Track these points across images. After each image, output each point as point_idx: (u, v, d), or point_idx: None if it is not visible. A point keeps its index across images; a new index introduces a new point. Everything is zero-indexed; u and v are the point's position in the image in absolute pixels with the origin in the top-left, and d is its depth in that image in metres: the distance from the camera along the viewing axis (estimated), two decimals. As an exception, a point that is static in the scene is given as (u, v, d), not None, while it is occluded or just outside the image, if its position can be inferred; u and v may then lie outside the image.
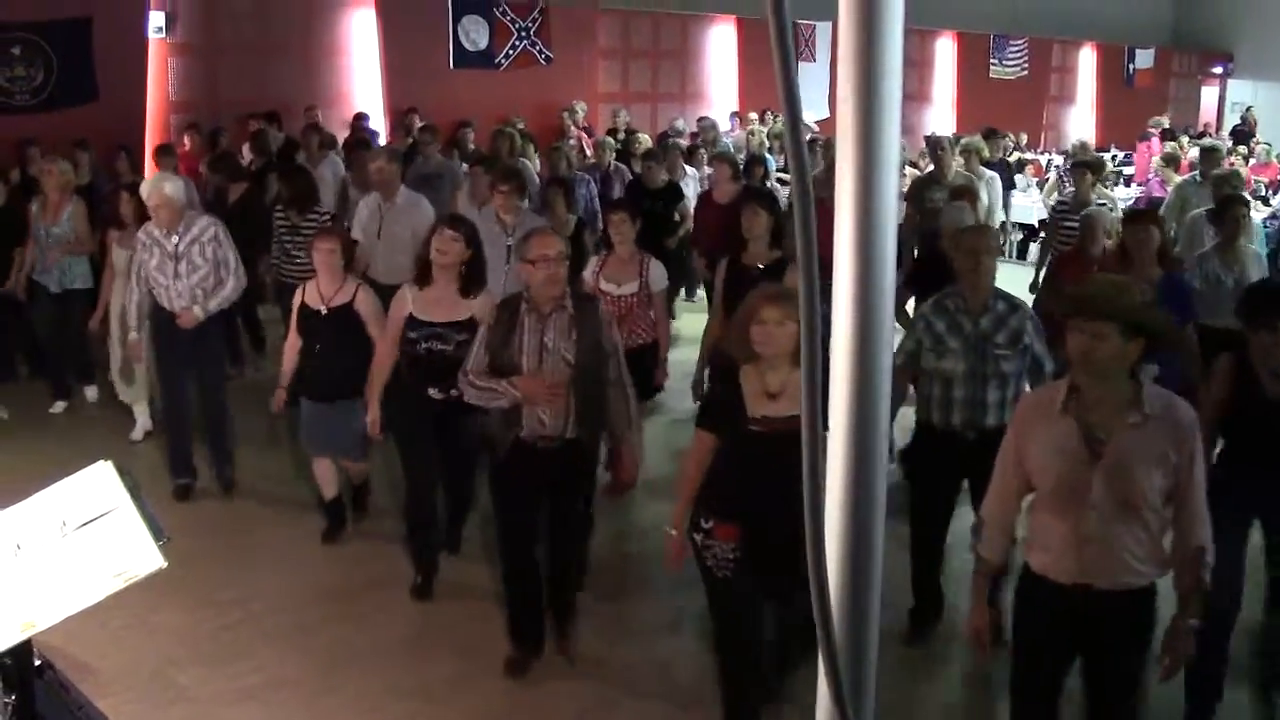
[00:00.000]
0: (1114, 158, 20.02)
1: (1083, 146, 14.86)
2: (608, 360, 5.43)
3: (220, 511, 7.61)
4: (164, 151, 11.73)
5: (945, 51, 24.76)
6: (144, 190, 7.81)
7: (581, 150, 15.81)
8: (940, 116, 24.04)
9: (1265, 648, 5.75)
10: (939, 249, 7.68)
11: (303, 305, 6.93)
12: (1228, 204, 8.38)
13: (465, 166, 12.10)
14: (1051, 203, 12.21)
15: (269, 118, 14.95)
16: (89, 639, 5.61)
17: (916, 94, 23.62)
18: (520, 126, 14.99)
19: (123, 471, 2.32)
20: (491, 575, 6.45)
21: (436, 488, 6.67)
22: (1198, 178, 11.57)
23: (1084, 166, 10.99)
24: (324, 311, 6.82)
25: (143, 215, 8.15)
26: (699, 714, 5.36)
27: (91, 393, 9.78)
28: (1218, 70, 30.14)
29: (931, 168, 12.43)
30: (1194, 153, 14.53)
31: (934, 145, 12.24)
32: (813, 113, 16.94)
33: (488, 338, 5.46)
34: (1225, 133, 25.91)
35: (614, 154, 13.37)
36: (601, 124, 18.67)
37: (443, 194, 10.68)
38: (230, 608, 6.37)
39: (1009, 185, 15.34)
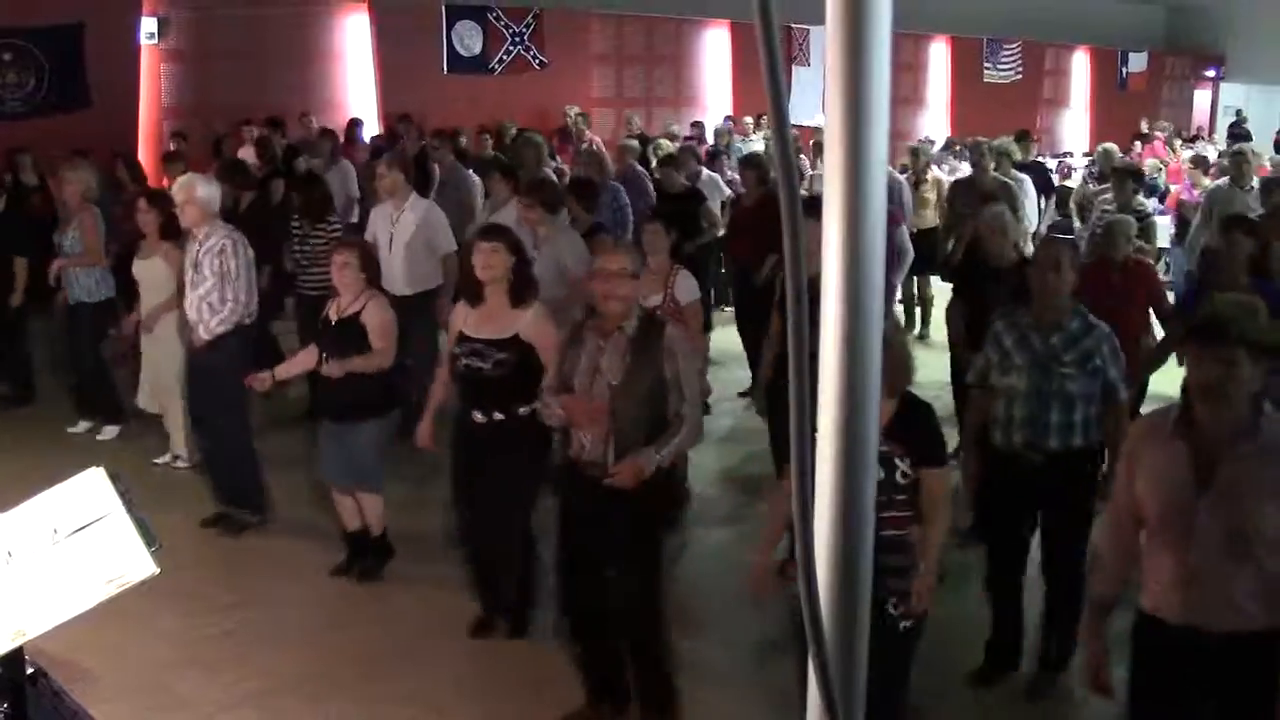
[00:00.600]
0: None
1: (1106, 154, 14.61)
2: (666, 391, 5.00)
3: (200, 507, 7.58)
4: (172, 159, 11.68)
5: (939, 55, 24.80)
6: (175, 187, 7.55)
7: (590, 155, 15.80)
8: (934, 120, 24.07)
9: None
10: (978, 255, 7.68)
11: (324, 316, 6.67)
12: None
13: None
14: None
15: (272, 124, 14.97)
16: (85, 646, 5.57)
17: (910, 98, 23.64)
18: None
19: (115, 478, 2.31)
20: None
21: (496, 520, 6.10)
22: (1227, 183, 11.50)
23: (1125, 174, 10.73)
24: (332, 322, 6.58)
25: (165, 224, 7.98)
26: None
27: (111, 431, 9.20)
28: (1210, 74, 30.20)
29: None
30: (1195, 154, 14.52)
31: (973, 150, 12.15)
32: (806, 116, 16.98)
33: (558, 356, 5.26)
34: (1218, 135, 25.95)
35: (637, 159, 13.18)
36: (595, 130, 18.68)
37: (455, 201, 10.60)
38: (226, 614, 6.35)
39: (1046, 189, 14.91)
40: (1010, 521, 5.75)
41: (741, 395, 9.79)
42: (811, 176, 12.82)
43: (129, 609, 5.72)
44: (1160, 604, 3.79)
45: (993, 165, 11.38)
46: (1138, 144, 21.58)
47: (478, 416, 5.83)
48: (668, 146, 14.05)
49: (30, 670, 2.42)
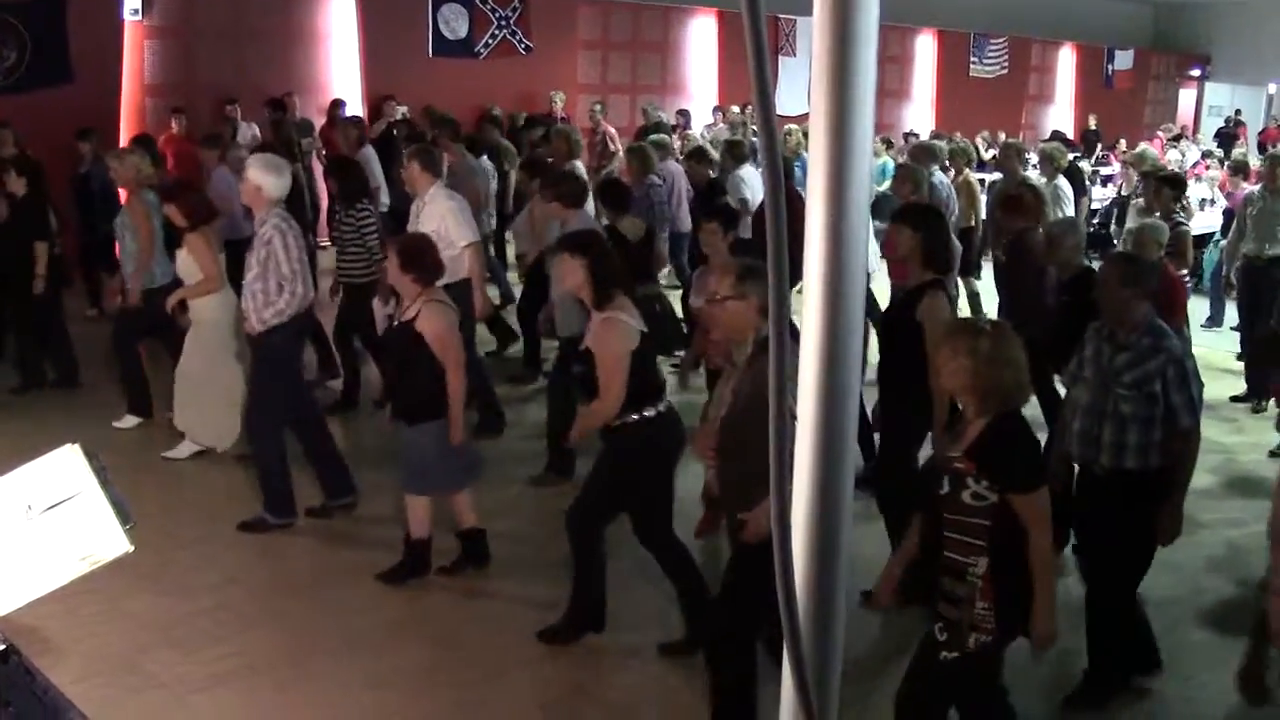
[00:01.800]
0: (1094, 158, 20.13)
1: (1140, 158, 14.41)
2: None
3: (195, 498, 7.57)
4: (211, 142, 11.65)
5: (925, 49, 24.82)
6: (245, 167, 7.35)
7: (605, 146, 15.76)
8: (920, 114, 24.10)
9: None
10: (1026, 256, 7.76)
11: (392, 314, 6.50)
12: None
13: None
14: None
15: (276, 105, 14.90)
16: (59, 624, 5.58)
17: (896, 91, 23.67)
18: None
19: (90, 455, 2.30)
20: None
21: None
22: (1260, 189, 11.33)
23: (1163, 182, 10.53)
24: (393, 324, 6.48)
25: (192, 213, 7.81)
26: (670, 699, 5.37)
27: (129, 421, 8.95)
28: (1195, 73, 30.32)
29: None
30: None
31: (1005, 150, 12.06)
32: (792, 107, 16.98)
33: (620, 372, 5.22)
34: (1202, 135, 26.06)
35: (668, 152, 12.91)
36: (577, 116, 18.66)
37: (464, 191, 10.50)
38: (203, 594, 6.34)
39: (1081, 191, 14.72)
40: (1087, 529, 5.67)
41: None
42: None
43: (103, 588, 5.75)
44: None
45: (1031, 168, 11.25)
46: (1123, 141, 21.67)
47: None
48: (695, 140, 13.90)
49: (2, 646, 2.40)
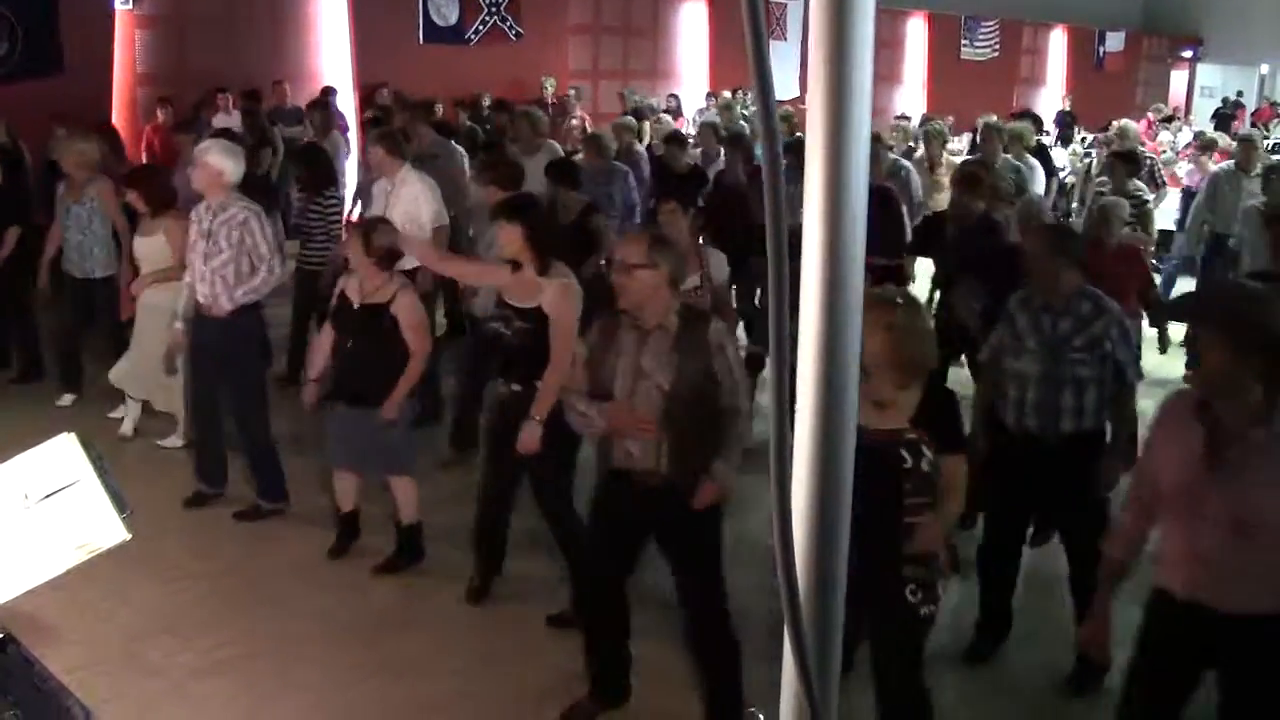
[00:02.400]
0: (1083, 139, 20.08)
1: (1122, 134, 14.49)
2: (716, 388, 4.71)
3: (191, 485, 7.56)
4: (185, 128, 11.55)
5: (916, 32, 24.81)
6: (195, 153, 7.24)
7: (583, 132, 15.76)
8: (910, 97, 24.08)
9: None
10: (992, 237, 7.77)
11: (341, 295, 6.40)
12: None
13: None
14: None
15: (250, 95, 14.87)
16: (58, 613, 5.58)
17: (887, 75, 23.66)
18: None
19: (86, 444, 2.30)
20: (467, 552, 6.46)
21: (502, 494, 6.13)
22: (1232, 167, 11.56)
23: (1119, 158, 10.75)
24: (356, 307, 6.30)
25: (158, 199, 7.83)
26: (664, 688, 5.38)
27: (68, 399, 9.13)
28: (1187, 54, 30.32)
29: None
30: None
31: (985, 130, 12.07)
32: (782, 92, 16.94)
33: (586, 354, 4.95)
34: (1194, 116, 26.07)
35: (634, 136, 12.95)
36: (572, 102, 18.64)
37: (437, 174, 10.52)
38: (201, 581, 6.35)
39: (1050, 172, 14.61)
40: (1013, 500, 5.77)
41: None
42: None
43: (101, 576, 5.75)
44: (1169, 578, 3.86)
45: (1002, 148, 11.34)
46: (1114, 123, 21.63)
47: (500, 386, 5.83)
48: (669, 124, 13.95)
49: (0, 636, 2.41)
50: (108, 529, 2.16)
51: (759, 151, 12.59)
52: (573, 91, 17.43)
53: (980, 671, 5.77)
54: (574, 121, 16.40)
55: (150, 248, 7.91)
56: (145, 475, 7.59)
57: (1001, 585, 5.84)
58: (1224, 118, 25.15)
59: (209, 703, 5.27)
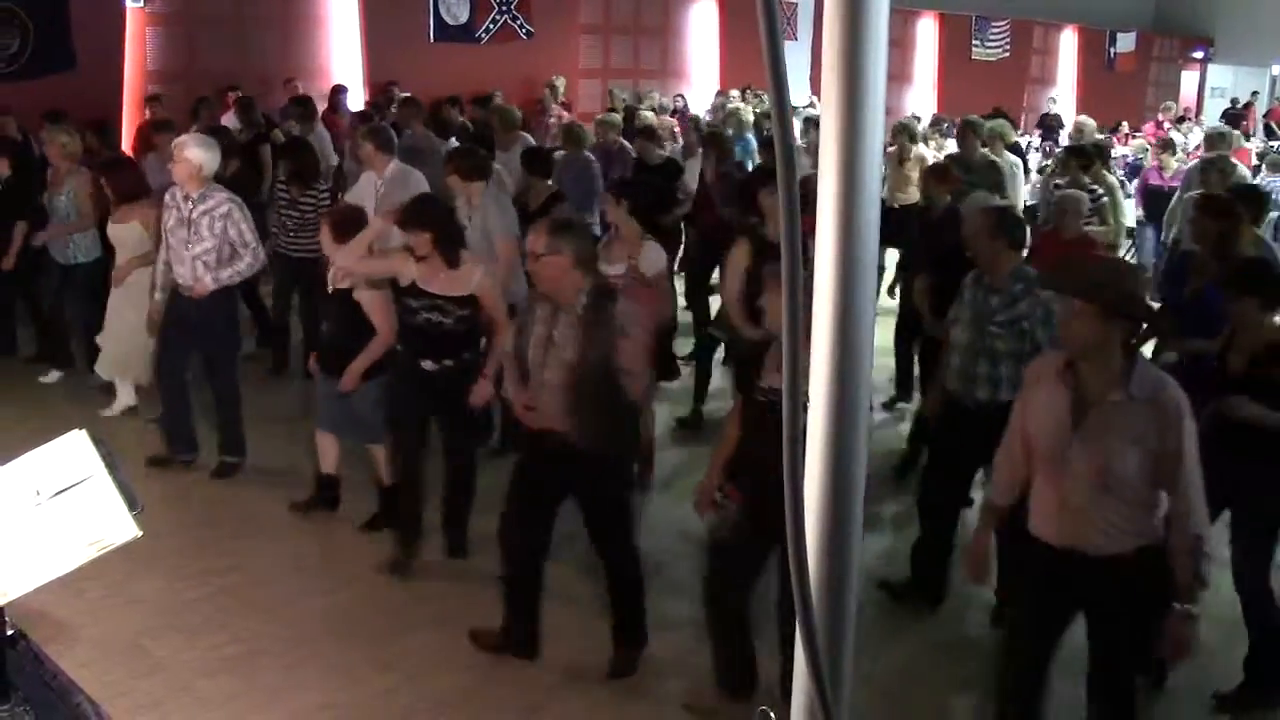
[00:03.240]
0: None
1: (1079, 129, 14.76)
2: (618, 364, 5.21)
3: (198, 483, 7.58)
4: (163, 127, 11.64)
5: (927, 32, 24.77)
6: (172, 147, 7.61)
7: (560, 126, 15.77)
8: (921, 97, 24.05)
9: None
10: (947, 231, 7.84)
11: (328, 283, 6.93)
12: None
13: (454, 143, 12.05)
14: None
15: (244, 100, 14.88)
16: (65, 609, 5.60)
17: (897, 75, 23.61)
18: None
19: (97, 441, 2.31)
20: (473, 548, 6.48)
21: (422, 467, 6.57)
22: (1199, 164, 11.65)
23: (1070, 154, 10.95)
24: (330, 290, 6.85)
25: (130, 189, 8.23)
26: (677, 686, 5.39)
27: (54, 376, 9.50)
28: (1198, 55, 30.24)
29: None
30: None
31: (962, 127, 12.11)
32: (794, 93, 16.90)
33: (516, 324, 5.57)
34: (1205, 117, 26.01)
35: (619, 132, 13.12)
36: (579, 100, 18.63)
37: (426, 170, 10.61)
38: (208, 578, 6.35)
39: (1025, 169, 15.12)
40: (943, 457, 6.35)
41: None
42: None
43: (109, 572, 5.77)
44: (1041, 528, 4.26)
45: (979, 144, 11.42)
46: (1125, 124, 21.61)
47: (428, 365, 6.24)
48: (649, 118, 14.03)
49: (10, 632, 2.41)
50: (119, 525, 2.17)
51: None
52: (548, 90, 17.40)
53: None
54: (550, 120, 16.40)
55: (126, 234, 8.30)
56: (149, 472, 7.61)
57: (934, 542, 6.31)
58: (1233, 118, 25.06)
59: (216, 700, 5.27)
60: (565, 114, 16.89)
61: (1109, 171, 11.69)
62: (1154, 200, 13.17)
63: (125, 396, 8.77)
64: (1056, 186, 10.79)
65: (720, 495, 4.98)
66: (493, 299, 6.36)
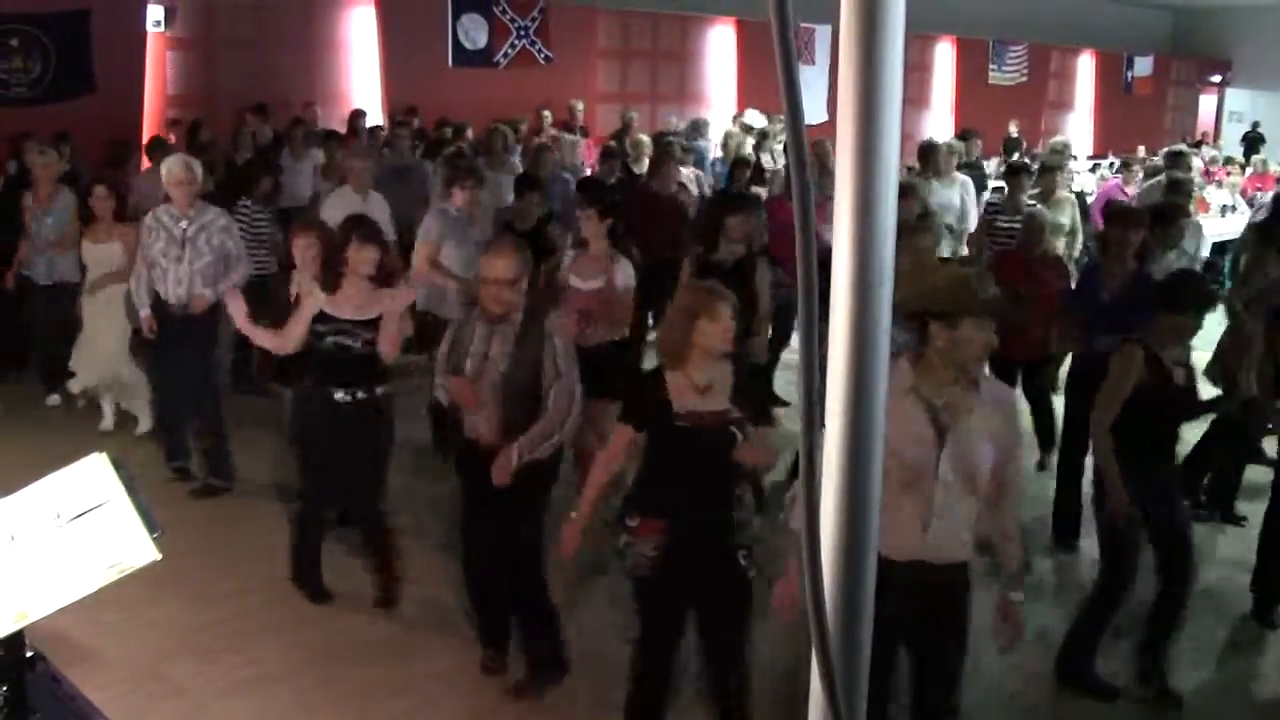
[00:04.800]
0: (1111, 165, 20.01)
1: (1064, 147, 14.97)
2: (544, 373, 5.35)
3: (215, 505, 7.60)
4: (157, 146, 11.83)
5: (944, 56, 24.78)
6: (165, 168, 7.80)
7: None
8: (939, 121, 24.05)
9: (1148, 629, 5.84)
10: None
11: (293, 297, 6.90)
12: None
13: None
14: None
15: (258, 108, 14.98)
16: (82, 632, 5.60)
17: (915, 99, 23.62)
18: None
19: (117, 464, 2.32)
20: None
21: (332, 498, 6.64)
22: (1160, 182, 11.79)
23: (1011, 171, 11.15)
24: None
25: (119, 210, 8.54)
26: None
27: (54, 399, 9.56)
28: (1216, 79, 30.20)
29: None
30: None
31: (923, 149, 12.20)
32: (811, 116, 16.92)
33: (450, 336, 5.59)
34: (1223, 141, 25.97)
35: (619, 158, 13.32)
36: (597, 125, 18.67)
37: (412, 189, 10.82)
38: (224, 602, 6.36)
39: (980, 188, 15.30)
40: None
41: None
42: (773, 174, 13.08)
43: (126, 595, 5.73)
44: (894, 547, 4.04)
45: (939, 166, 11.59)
46: (1141, 148, 21.57)
47: (340, 396, 6.14)
48: (647, 144, 14.14)
49: (29, 654, 2.42)
50: (138, 548, 2.18)
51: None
52: (541, 112, 17.48)
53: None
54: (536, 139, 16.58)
55: (105, 254, 8.52)
56: (163, 494, 7.62)
57: None
58: (1253, 141, 25.06)
59: (233, 722, 5.29)
60: (553, 134, 16.96)
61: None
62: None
63: (111, 413, 9.04)
64: (991, 204, 11.03)
65: (625, 534, 4.74)
66: (394, 316, 6.24)
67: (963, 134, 16.08)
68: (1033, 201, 10.32)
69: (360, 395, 6.14)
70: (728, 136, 16.31)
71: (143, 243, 7.72)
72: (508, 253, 5.41)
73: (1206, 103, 30.59)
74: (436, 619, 6.26)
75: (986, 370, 4.40)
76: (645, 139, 14.48)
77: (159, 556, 2.18)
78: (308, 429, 6.53)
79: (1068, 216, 10.80)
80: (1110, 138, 25.05)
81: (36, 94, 13.67)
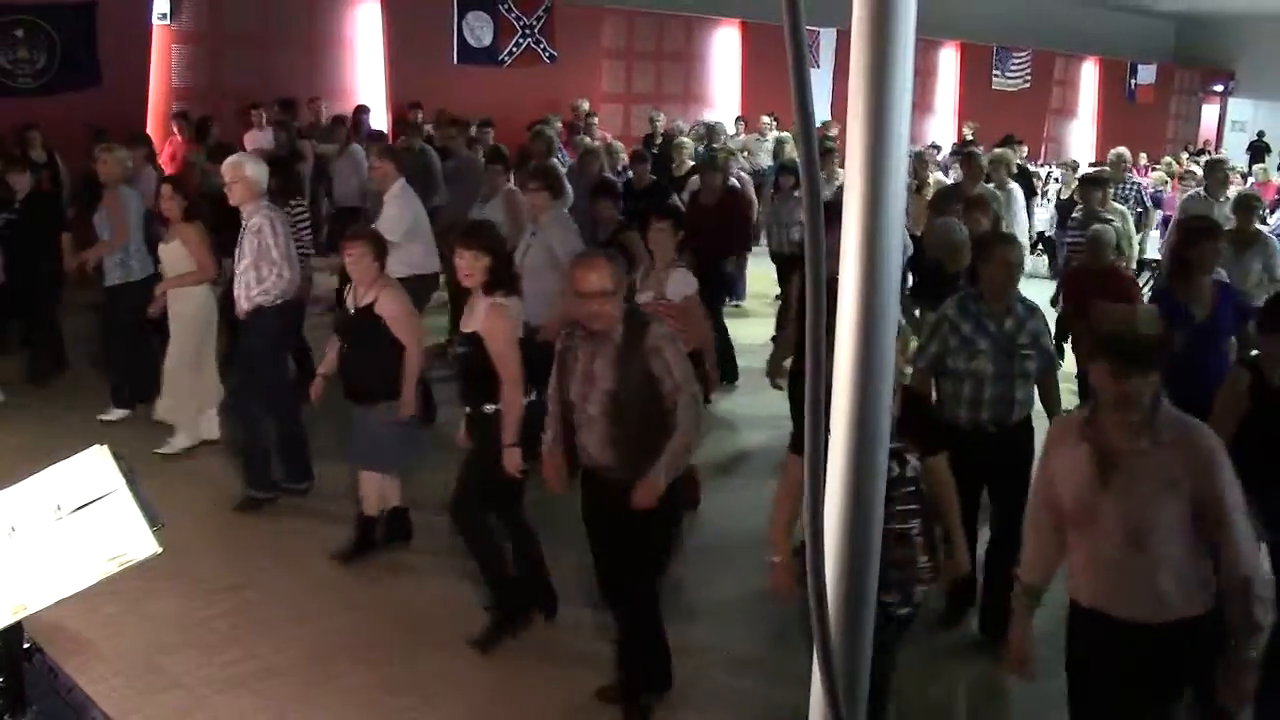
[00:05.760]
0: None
1: (1118, 160, 14.92)
2: (659, 388, 5.01)
3: (216, 500, 7.58)
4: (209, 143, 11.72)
5: (948, 62, 24.81)
6: (224, 166, 7.55)
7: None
8: (942, 126, 24.07)
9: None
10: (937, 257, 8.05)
11: (341, 303, 6.76)
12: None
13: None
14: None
15: (283, 105, 15.00)
16: (81, 625, 5.61)
17: (919, 104, 23.62)
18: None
19: (118, 456, 2.31)
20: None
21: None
22: (1201, 193, 11.66)
23: (1090, 183, 11.02)
24: (351, 311, 6.66)
25: (188, 208, 8.04)
26: (689, 712, 5.37)
27: (116, 413, 9.02)
28: (1219, 88, 30.22)
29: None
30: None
31: (965, 155, 12.18)
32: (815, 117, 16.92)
33: (556, 362, 5.27)
34: (1225, 149, 25.99)
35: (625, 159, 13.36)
36: (600, 124, 18.68)
37: (469, 190, 10.73)
38: (224, 596, 6.36)
39: (1029, 194, 15.21)
40: (968, 491, 5.91)
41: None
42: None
43: (126, 588, 5.77)
44: (1077, 589, 4.08)
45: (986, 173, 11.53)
46: (1143, 155, 21.60)
47: (469, 410, 5.97)
48: (687, 148, 14.21)
49: (27, 645, 2.42)
50: (139, 541, 2.17)
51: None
52: (590, 117, 17.51)
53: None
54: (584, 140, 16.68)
55: (173, 253, 8.15)
56: (159, 488, 7.61)
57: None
58: (1258, 150, 25.11)
59: (230, 717, 5.28)
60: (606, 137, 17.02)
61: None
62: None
63: (178, 441, 8.44)
64: (1072, 218, 10.86)
65: None
66: (498, 340, 5.79)
67: (1006, 140, 16.04)
68: (1111, 216, 10.20)
69: (468, 410, 5.95)
70: (779, 142, 16.19)
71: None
72: (601, 264, 5.06)
73: (1209, 112, 30.64)
74: (436, 616, 6.26)
75: (1169, 408, 3.96)
76: (688, 143, 14.51)
77: (160, 549, 2.18)
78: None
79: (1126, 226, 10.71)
80: (1113, 145, 25.02)
81: (41, 85, 13.69)
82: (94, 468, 2.26)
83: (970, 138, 21.17)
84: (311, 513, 7.40)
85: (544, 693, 5.57)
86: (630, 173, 12.31)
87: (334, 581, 6.62)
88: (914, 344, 6.31)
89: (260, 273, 7.28)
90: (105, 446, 2.32)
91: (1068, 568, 4.14)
